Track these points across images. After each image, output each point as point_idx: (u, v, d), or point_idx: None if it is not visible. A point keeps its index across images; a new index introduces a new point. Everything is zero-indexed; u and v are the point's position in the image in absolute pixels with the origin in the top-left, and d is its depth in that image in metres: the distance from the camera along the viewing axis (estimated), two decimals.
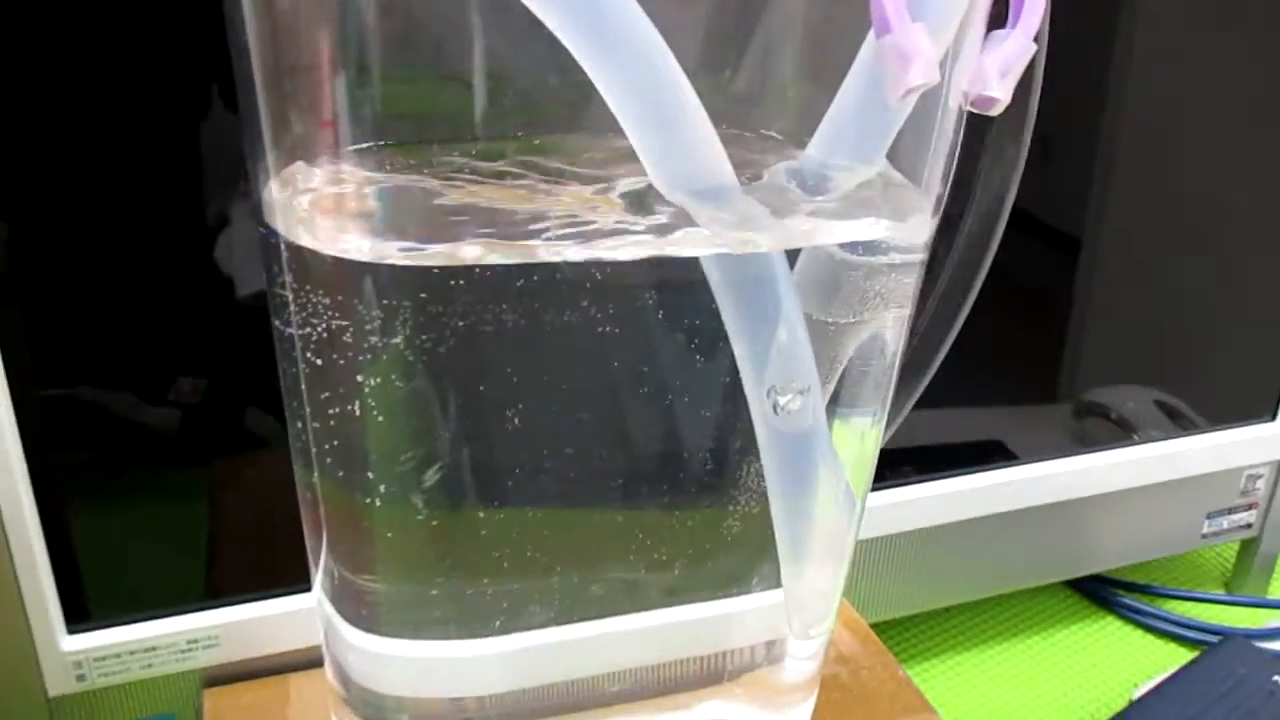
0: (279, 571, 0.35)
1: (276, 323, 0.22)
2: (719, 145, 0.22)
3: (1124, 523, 0.52)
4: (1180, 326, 0.52)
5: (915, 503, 0.47)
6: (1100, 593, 0.55)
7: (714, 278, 0.22)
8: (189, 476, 0.41)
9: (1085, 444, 0.51)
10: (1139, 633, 0.53)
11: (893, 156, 0.24)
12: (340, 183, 0.21)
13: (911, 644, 0.52)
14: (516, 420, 0.22)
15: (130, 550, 0.39)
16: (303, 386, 0.21)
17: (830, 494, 0.26)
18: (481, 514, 0.23)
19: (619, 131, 0.21)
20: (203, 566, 0.38)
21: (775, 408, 0.23)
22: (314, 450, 0.22)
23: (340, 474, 0.22)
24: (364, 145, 0.21)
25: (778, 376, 0.23)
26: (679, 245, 0.21)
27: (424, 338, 0.20)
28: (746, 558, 0.27)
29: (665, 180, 0.22)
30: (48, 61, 0.29)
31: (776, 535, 0.25)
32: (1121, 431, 0.51)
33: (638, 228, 0.21)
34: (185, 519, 0.39)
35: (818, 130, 0.24)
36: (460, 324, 0.20)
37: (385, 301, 0.19)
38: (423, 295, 0.19)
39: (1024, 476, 0.48)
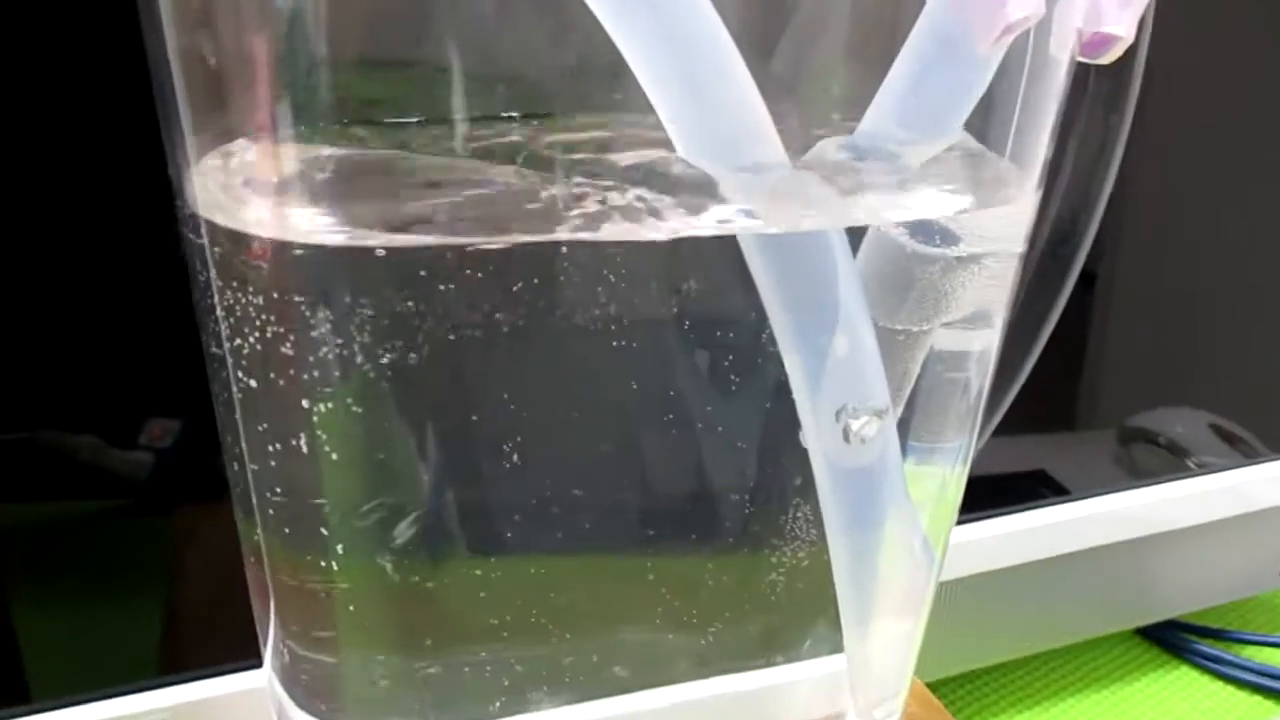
0: (247, 642, 0.31)
1: (207, 342, 0.17)
2: (763, 109, 0.18)
3: (1193, 562, 0.48)
4: (1231, 344, 0.50)
5: (961, 546, 0.42)
6: (1173, 640, 0.51)
7: (758, 268, 0.17)
8: (154, 529, 0.38)
9: (1135, 473, 0.48)
10: (1219, 683, 0.49)
11: (977, 128, 0.20)
12: (283, 158, 0.16)
13: (967, 704, 0.47)
14: (511, 452, 0.17)
15: (79, 620, 0.36)
16: (237, 417, 0.17)
17: (904, 543, 0.21)
18: (470, 571, 0.18)
19: (633, 107, 0.17)
20: (157, 637, 0.34)
21: (846, 434, 0.18)
22: (254, 498, 0.17)
23: (286, 528, 0.17)
24: (317, 125, 0.16)
25: (847, 394, 0.18)
26: (711, 224, 0.17)
27: (387, 347, 0.15)
28: (797, 619, 0.23)
29: (696, 150, 0.18)
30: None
31: (838, 592, 0.21)
32: (1174, 459, 0.48)
33: (660, 203, 0.17)
34: (143, 581, 0.36)
35: (876, 97, 0.20)
36: (435, 329, 0.15)
37: (333, 298, 0.15)
38: (384, 289, 0.15)
39: (1078, 515, 0.44)
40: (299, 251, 0.15)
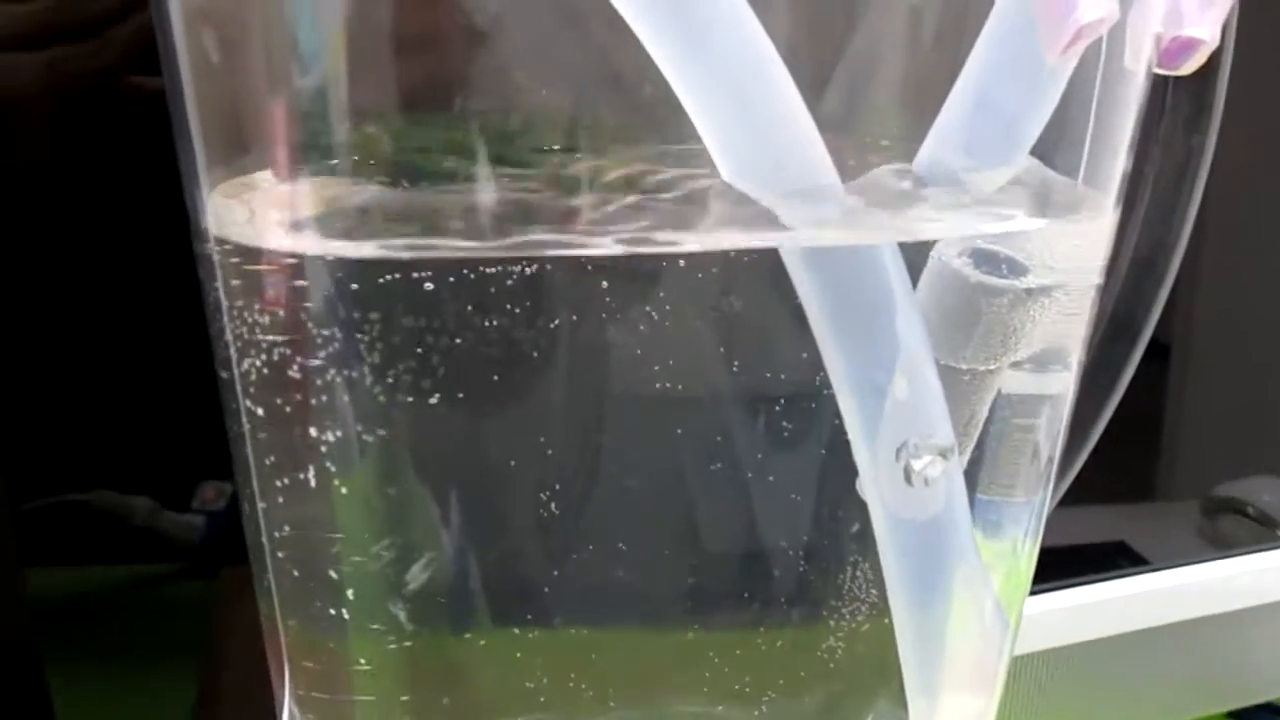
0: None
1: (219, 371, 0.16)
2: (814, 130, 0.17)
3: None
4: None
5: (1035, 618, 0.40)
6: None
7: (807, 291, 0.16)
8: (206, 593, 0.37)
9: (1223, 545, 0.46)
10: None
11: (1046, 152, 0.18)
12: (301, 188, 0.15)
13: None
14: (541, 499, 0.16)
15: (118, 685, 0.35)
16: (248, 450, 0.15)
17: (973, 606, 0.19)
18: (496, 630, 0.17)
19: (674, 138, 0.16)
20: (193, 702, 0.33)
21: (908, 475, 0.16)
22: (265, 541, 0.16)
23: (296, 572, 0.16)
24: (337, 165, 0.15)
25: (908, 431, 0.16)
26: (752, 234, 0.15)
27: (398, 370, 0.14)
28: (858, 691, 0.21)
29: (742, 172, 0.17)
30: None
31: (902, 661, 0.19)
32: (1262, 529, 0.46)
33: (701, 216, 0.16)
34: (191, 645, 0.35)
35: (936, 121, 0.18)
36: (455, 354, 0.14)
37: (339, 314, 0.14)
38: (395, 306, 0.14)
39: (1161, 586, 0.42)
40: (297, 262, 0.14)
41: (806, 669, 0.20)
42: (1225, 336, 0.46)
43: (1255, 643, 0.44)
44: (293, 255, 0.14)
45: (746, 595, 0.19)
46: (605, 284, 0.15)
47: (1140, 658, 0.42)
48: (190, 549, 0.41)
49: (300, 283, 0.13)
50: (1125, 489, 0.46)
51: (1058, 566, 0.41)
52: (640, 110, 0.18)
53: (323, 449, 0.14)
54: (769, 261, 0.17)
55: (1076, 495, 0.43)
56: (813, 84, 0.17)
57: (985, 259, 0.19)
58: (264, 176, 0.16)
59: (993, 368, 0.19)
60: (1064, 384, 0.19)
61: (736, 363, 0.17)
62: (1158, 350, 0.43)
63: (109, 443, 0.36)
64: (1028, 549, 0.20)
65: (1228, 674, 0.44)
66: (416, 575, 0.15)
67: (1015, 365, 0.20)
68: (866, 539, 0.19)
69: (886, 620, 0.20)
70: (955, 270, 0.19)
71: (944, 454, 0.16)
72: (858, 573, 0.20)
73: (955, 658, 0.19)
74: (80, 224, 0.28)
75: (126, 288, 0.30)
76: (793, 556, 0.20)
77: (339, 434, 0.14)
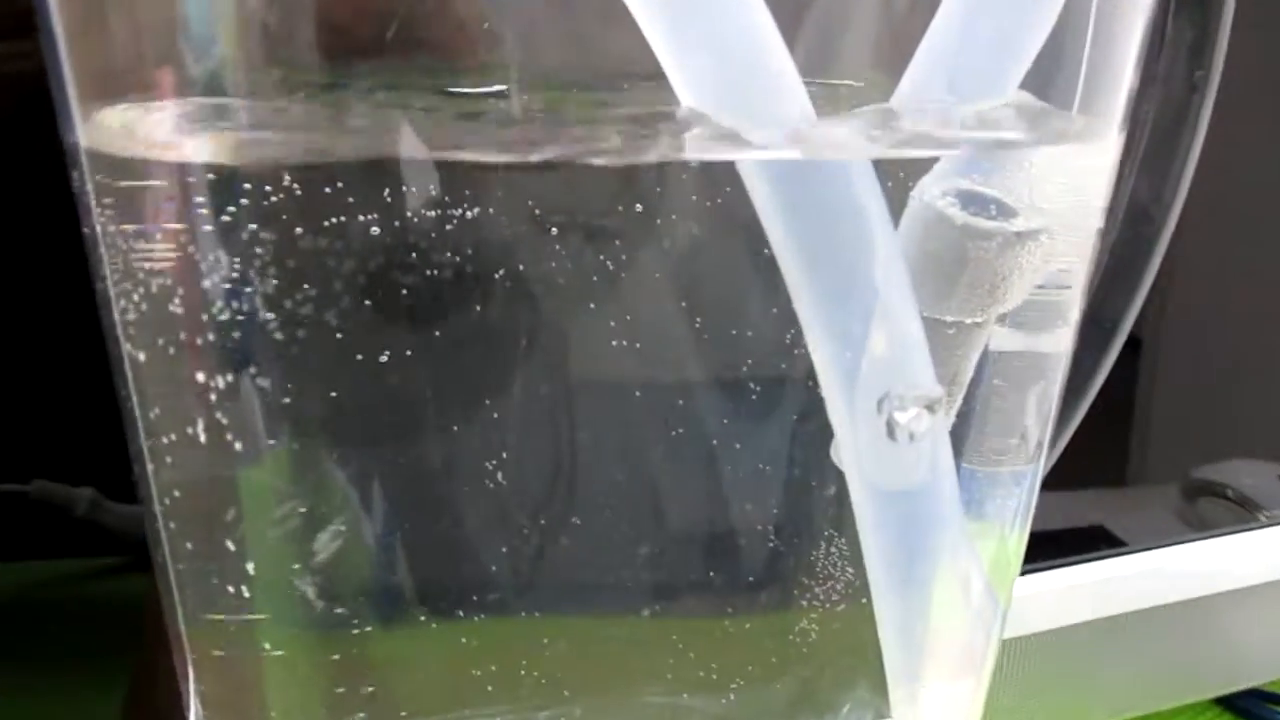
0: None
1: (101, 314, 0.14)
2: (786, 57, 0.15)
3: (1275, 625, 0.44)
4: None
5: (1015, 602, 0.38)
6: (1257, 711, 0.46)
7: (774, 226, 0.14)
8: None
9: (1204, 528, 0.44)
10: None
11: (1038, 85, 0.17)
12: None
13: None
14: (471, 457, 0.14)
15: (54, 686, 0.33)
16: (133, 404, 0.13)
17: (959, 584, 0.17)
18: (426, 613, 0.15)
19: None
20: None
21: (892, 429, 0.14)
22: (157, 510, 0.14)
23: (189, 544, 0.14)
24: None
25: (888, 382, 0.14)
26: (710, 150, 0.14)
27: (296, 301, 0.12)
28: (834, 677, 0.19)
29: (705, 97, 0.15)
30: None
31: (883, 645, 0.17)
32: (1245, 512, 0.45)
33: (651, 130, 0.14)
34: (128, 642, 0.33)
35: (916, 54, 0.17)
36: (363, 281, 0.12)
37: (229, 234, 0.12)
38: (294, 223, 0.12)
39: (1141, 569, 0.40)
40: (198, 175, 0.11)
41: (777, 654, 0.19)
42: (1200, 319, 0.45)
43: (1238, 628, 0.43)
44: (175, 164, 0.12)
45: (707, 574, 0.18)
46: (540, 206, 0.13)
47: (1122, 642, 0.40)
48: (136, 542, 0.39)
49: (184, 197, 0.11)
50: (1102, 473, 0.45)
51: (1037, 552, 0.40)
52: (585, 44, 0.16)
53: (211, 397, 0.12)
54: (732, 197, 0.15)
55: (1054, 480, 0.43)
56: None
57: (972, 200, 0.17)
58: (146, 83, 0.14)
59: (980, 320, 0.18)
60: (1060, 342, 0.18)
61: (692, 309, 0.16)
62: (1131, 337, 0.42)
63: (47, 430, 0.34)
64: (1018, 527, 0.18)
65: (1213, 659, 0.43)
66: (326, 545, 0.13)
67: (1004, 320, 0.18)
68: (842, 512, 0.18)
69: (864, 600, 0.18)
70: (939, 212, 0.17)
71: (930, 407, 0.15)
72: (832, 549, 0.18)
73: (940, 641, 0.17)
74: (19, 219, 0.26)
75: (62, 274, 0.28)
76: (759, 531, 0.18)
77: (229, 379, 0.12)
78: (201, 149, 0.12)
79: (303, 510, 0.13)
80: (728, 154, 0.14)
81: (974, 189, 0.17)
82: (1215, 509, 0.45)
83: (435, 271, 0.12)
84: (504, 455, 0.14)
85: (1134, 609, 0.40)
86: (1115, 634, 0.40)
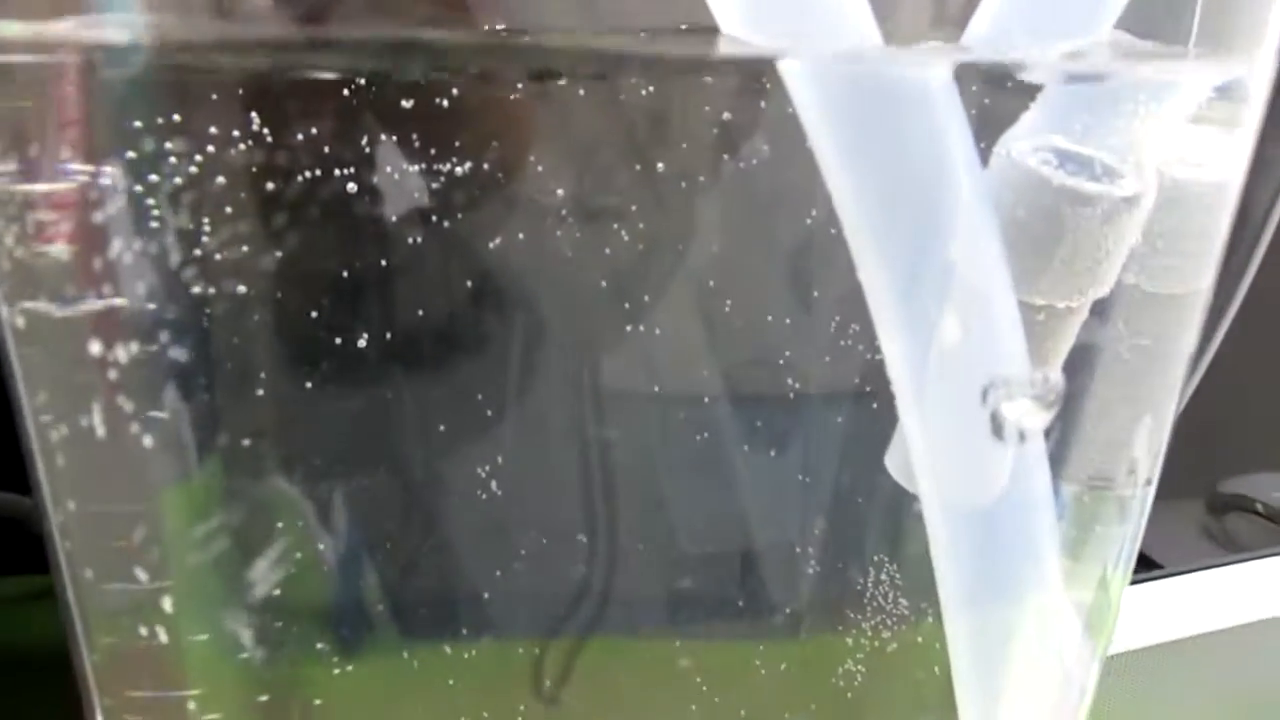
0: None
1: None
2: None
3: None
4: None
5: None
6: None
7: (831, 166, 0.11)
8: None
9: (1233, 546, 0.43)
10: None
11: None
12: None
13: None
14: (431, 447, 0.11)
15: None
16: (20, 388, 0.10)
17: (1053, 626, 0.14)
18: (393, 653, 0.12)
19: None
20: None
21: (997, 426, 0.11)
22: (54, 527, 0.11)
23: (90, 571, 0.11)
24: None
25: (982, 366, 0.11)
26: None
27: (213, 240, 0.09)
28: None
29: (753, 20, 0.12)
30: None
31: (957, 694, 0.14)
32: (1276, 528, 0.44)
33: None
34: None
35: None
36: (291, 202, 0.09)
37: (126, 144, 0.08)
38: (201, 129, 0.08)
39: (1181, 593, 0.39)
40: (83, 73, 0.08)
41: (819, 698, 0.16)
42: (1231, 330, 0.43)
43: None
44: (45, 47, 0.08)
45: (744, 606, 0.15)
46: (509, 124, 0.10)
47: (1166, 671, 0.38)
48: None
49: (68, 97, 0.08)
50: None
51: None
52: None
53: (111, 375, 0.09)
54: (781, 150, 0.12)
55: None
56: None
57: (1069, 159, 0.14)
58: None
59: (1074, 304, 0.15)
60: (1184, 342, 0.15)
61: (715, 293, 0.13)
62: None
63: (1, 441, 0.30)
64: (1122, 565, 0.15)
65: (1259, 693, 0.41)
66: (264, 575, 0.10)
67: (1111, 312, 0.15)
68: (898, 532, 0.15)
69: (921, 638, 0.15)
70: (1031, 171, 0.14)
71: (1047, 400, 0.11)
72: (884, 576, 0.16)
73: (1024, 695, 0.14)
74: None
75: None
76: (801, 555, 0.15)
77: (131, 349, 0.09)
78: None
79: (225, 526, 0.09)
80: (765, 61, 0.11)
81: (1071, 147, 0.14)
82: (1245, 526, 0.44)
83: (387, 253, 0.09)
84: (461, 441, 0.11)
85: (1167, 640, 0.37)
86: (1155, 661, 0.37)
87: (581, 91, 0.12)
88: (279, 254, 0.09)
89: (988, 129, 0.14)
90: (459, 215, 0.09)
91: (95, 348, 0.09)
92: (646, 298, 0.13)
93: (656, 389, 0.14)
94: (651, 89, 0.12)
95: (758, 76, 0.13)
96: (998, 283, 0.13)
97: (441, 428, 0.11)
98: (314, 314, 0.09)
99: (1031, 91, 0.15)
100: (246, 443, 0.10)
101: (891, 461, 0.15)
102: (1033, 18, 0.14)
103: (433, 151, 0.09)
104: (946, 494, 0.13)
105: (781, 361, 0.14)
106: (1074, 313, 0.15)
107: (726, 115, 0.13)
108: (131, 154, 0.09)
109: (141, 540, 0.10)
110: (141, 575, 0.10)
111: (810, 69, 0.12)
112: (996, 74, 0.14)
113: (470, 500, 0.12)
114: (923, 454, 0.13)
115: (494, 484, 0.12)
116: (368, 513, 0.11)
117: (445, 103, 0.09)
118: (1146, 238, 0.14)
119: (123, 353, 0.09)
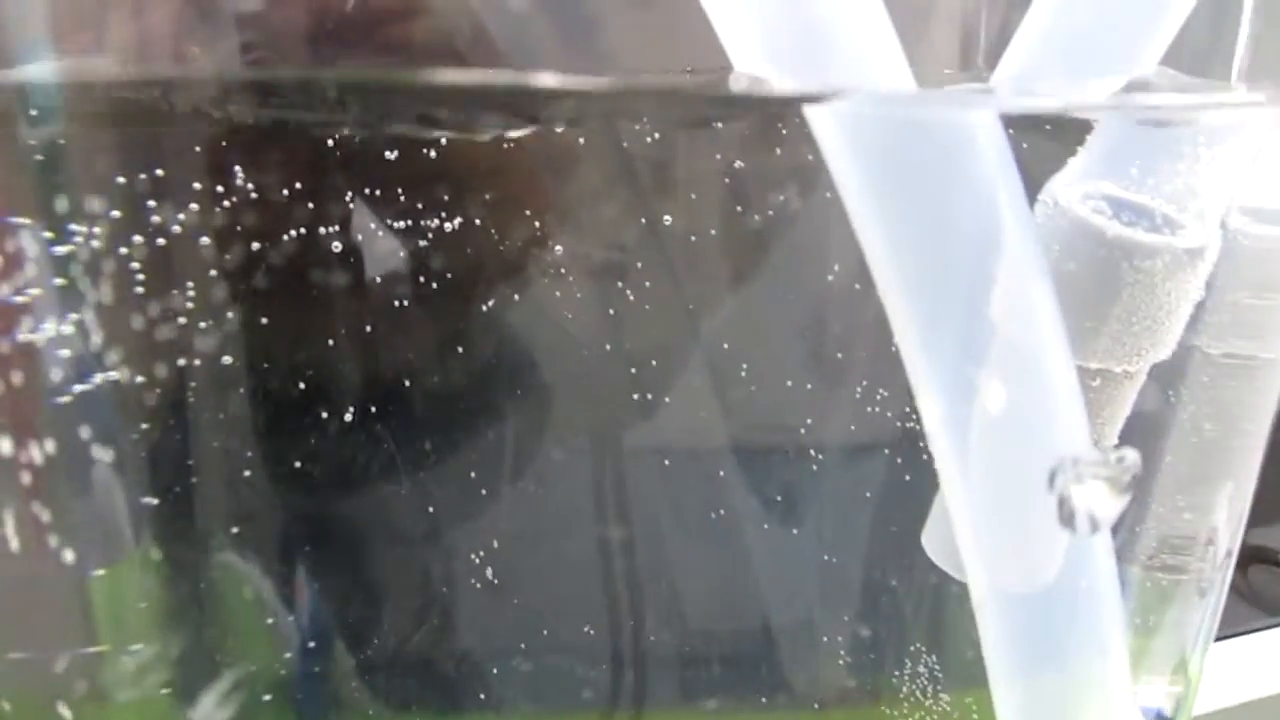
0: None
1: None
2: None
3: None
4: None
5: None
6: None
7: (863, 209, 0.10)
8: None
9: (1258, 601, 0.41)
10: None
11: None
12: None
13: None
14: (406, 509, 0.09)
15: None
16: None
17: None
18: None
19: None
20: None
21: (1066, 513, 0.10)
22: None
23: None
24: None
25: (1043, 438, 0.10)
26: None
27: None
28: None
29: (769, 56, 0.11)
30: None
31: None
32: None
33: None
34: None
35: (1023, 24, 0.13)
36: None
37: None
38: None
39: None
40: None
41: None
42: None
43: None
44: None
45: (762, 695, 0.13)
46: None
47: None
48: None
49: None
50: None
51: None
52: None
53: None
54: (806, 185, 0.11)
55: None
56: None
57: (1125, 208, 0.13)
58: None
59: (1132, 369, 0.13)
60: (1266, 410, 0.13)
61: (725, 328, 0.11)
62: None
63: None
64: (1199, 648, 0.14)
65: None
66: (208, 714, 0.08)
67: (1178, 380, 0.13)
68: (940, 615, 0.13)
69: None
70: (1083, 221, 0.13)
71: (1122, 482, 0.10)
72: (922, 666, 0.14)
73: None
74: None
75: None
76: (827, 643, 0.14)
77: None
78: None
79: (142, 630, 0.08)
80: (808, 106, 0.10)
81: (1126, 195, 0.13)
82: (1268, 577, 0.42)
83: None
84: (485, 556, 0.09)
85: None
86: None
87: (582, 139, 0.10)
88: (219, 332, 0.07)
89: (1030, 175, 0.12)
90: (435, 275, 0.08)
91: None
92: (661, 359, 0.12)
93: (668, 460, 0.13)
94: (657, 136, 0.11)
95: (776, 121, 0.12)
96: (1054, 345, 0.11)
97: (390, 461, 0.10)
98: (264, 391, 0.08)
99: (1077, 133, 0.13)
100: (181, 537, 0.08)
101: (930, 541, 0.14)
102: (1069, 54, 0.13)
103: (398, 208, 0.08)
104: (999, 578, 0.12)
105: (804, 430, 0.13)
106: (1131, 378, 0.13)
107: (741, 163, 0.12)
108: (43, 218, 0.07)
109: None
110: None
111: (842, 111, 0.11)
112: (1039, 115, 0.13)
113: (474, 583, 0.11)
114: (971, 536, 0.12)
115: (498, 565, 0.11)
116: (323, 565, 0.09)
117: (409, 153, 0.08)
118: (1209, 294, 0.13)
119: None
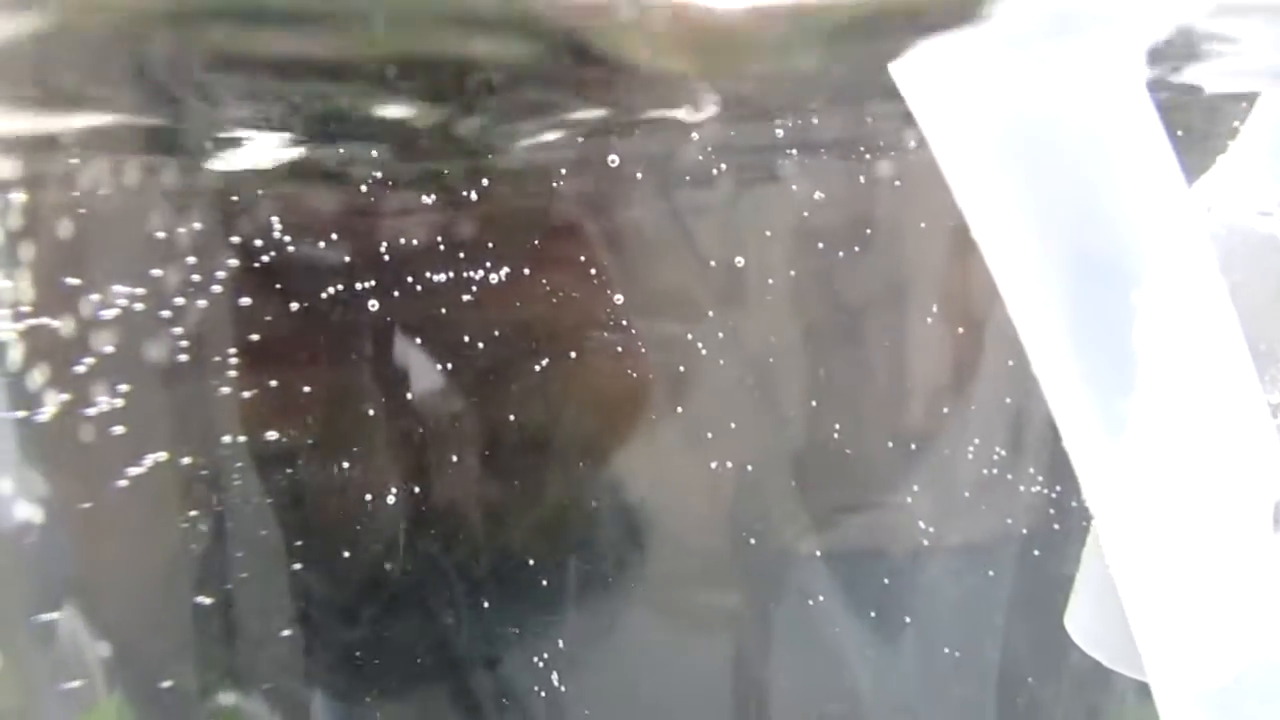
0: None
1: None
2: None
3: None
4: None
5: None
6: None
7: (986, 200, 0.08)
8: None
9: None
10: None
11: None
12: None
13: None
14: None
15: None
16: None
17: None
18: None
19: None
20: None
21: None
22: None
23: None
24: None
25: (1242, 480, 0.08)
26: None
27: None
28: None
29: None
30: None
31: None
32: None
33: None
34: None
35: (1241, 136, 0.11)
36: None
37: None
38: None
39: None
40: None
41: None
42: None
43: None
44: None
45: None
46: None
47: None
48: None
49: None
50: None
51: None
52: None
53: None
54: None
55: None
56: None
57: None
58: None
59: None
60: None
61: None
62: None
63: None
64: None
65: None
66: None
67: None
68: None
69: None
70: (1255, 233, 0.11)
71: None
72: None
73: None
74: None
75: None
76: None
77: None
78: None
79: None
80: None
81: None
82: None
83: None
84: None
85: None
86: None
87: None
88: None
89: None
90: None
91: None
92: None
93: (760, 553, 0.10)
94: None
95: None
96: (1238, 368, 0.09)
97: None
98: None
99: (1222, 126, 0.11)
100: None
101: (1075, 624, 0.11)
102: None
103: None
104: (1189, 664, 0.09)
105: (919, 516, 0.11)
106: None
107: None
108: None
109: None
110: None
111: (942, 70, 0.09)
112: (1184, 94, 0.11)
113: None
114: (1146, 612, 0.09)
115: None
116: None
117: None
118: None
119: None
